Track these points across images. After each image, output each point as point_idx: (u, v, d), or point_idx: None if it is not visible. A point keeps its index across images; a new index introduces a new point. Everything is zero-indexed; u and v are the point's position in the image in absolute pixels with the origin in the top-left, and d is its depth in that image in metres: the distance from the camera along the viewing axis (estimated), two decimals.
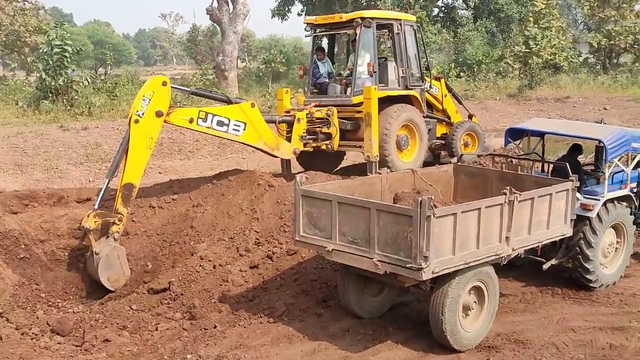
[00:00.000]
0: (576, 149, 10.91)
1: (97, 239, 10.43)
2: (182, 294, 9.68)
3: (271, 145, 12.46)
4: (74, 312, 9.70)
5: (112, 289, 10.30)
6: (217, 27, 44.04)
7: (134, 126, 10.60)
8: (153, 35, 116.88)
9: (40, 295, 10.20)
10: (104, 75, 35.91)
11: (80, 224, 10.70)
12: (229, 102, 12.20)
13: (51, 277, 10.57)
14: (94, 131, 22.95)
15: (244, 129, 11.91)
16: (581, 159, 11.41)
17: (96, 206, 10.49)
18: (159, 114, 10.73)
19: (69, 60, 25.92)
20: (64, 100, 25.94)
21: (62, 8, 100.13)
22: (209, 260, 10.23)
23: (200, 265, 10.12)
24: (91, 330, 8.90)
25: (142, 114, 10.61)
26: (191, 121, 11.30)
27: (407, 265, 7.20)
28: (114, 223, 10.39)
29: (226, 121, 11.68)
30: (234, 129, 11.80)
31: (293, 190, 8.60)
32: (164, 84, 10.84)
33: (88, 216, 10.31)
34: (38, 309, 9.81)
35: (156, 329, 8.92)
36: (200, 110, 11.47)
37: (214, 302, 9.48)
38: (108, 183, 10.73)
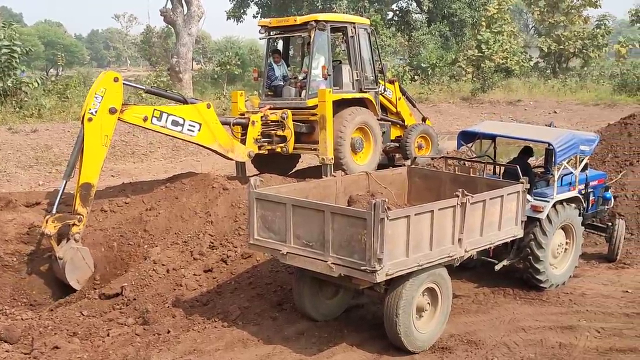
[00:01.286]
0: (527, 152, 11.11)
1: (58, 242, 10.21)
2: (134, 299, 9.53)
3: (226, 147, 12.38)
4: (22, 318, 9.45)
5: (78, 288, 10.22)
6: (172, 28, 43.68)
7: (87, 125, 10.41)
8: (106, 36, 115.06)
9: None
10: (55, 76, 35.23)
11: (37, 229, 10.55)
12: (184, 102, 12.10)
13: None
14: (44, 133, 22.52)
15: (199, 130, 11.82)
16: (531, 161, 11.62)
17: (54, 210, 10.26)
18: (112, 111, 10.56)
19: (17, 61, 25.39)
20: (13, 102, 25.39)
21: (11, 7, 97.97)
22: (163, 265, 10.10)
23: (154, 270, 9.98)
24: (40, 337, 8.67)
25: (95, 111, 10.42)
26: (145, 119, 11.15)
27: (361, 268, 7.21)
28: (73, 224, 10.21)
29: (181, 121, 11.57)
30: (188, 129, 11.70)
31: (247, 193, 8.56)
32: (116, 80, 10.67)
33: (47, 221, 10.04)
34: None
35: (108, 335, 8.73)
36: (155, 109, 11.35)
37: (168, 307, 9.35)
38: (65, 184, 10.53)
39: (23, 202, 11.47)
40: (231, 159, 13.00)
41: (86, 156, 10.39)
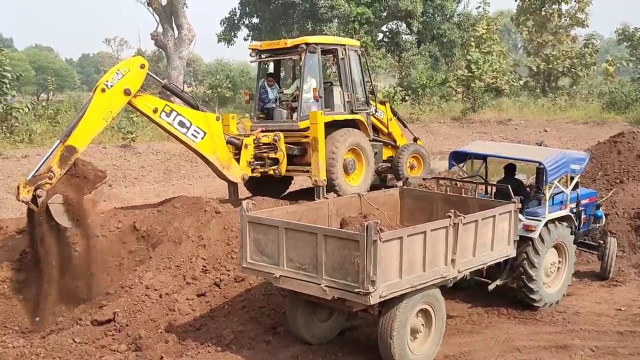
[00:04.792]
0: (512, 168, 11.21)
1: (37, 205, 9.98)
2: (127, 325, 9.43)
3: (223, 162, 12.43)
4: (14, 346, 9.32)
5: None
6: (163, 52, 43.84)
7: (98, 94, 10.54)
8: (97, 60, 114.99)
9: None
10: (46, 101, 35.15)
11: (28, 256, 10.49)
12: (196, 107, 12.21)
13: None
14: (35, 159, 22.32)
15: (202, 138, 11.98)
16: (523, 179, 11.67)
17: (30, 175, 10.16)
18: (127, 92, 10.72)
19: (8, 86, 25.37)
20: (3, 128, 25.29)
21: (1, 33, 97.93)
22: (155, 289, 10.03)
23: (146, 295, 9.90)
24: None
25: (111, 85, 10.58)
26: (155, 111, 11.32)
27: (355, 290, 7.21)
28: (45, 183, 9.97)
29: (188, 124, 11.75)
30: (193, 134, 11.86)
31: (240, 217, 8.54)
32: (142, 66, 10.97)
33: (18, 188, 9.88)
34: None
35: None
36: (166, 104, 11.55)
37: (161, 332, 9.28)
38: (57, 145, 10.42)
39: (13, 229, 11.41)
40: (224, 178, 12.98)
41: (83, 122, 10.42)
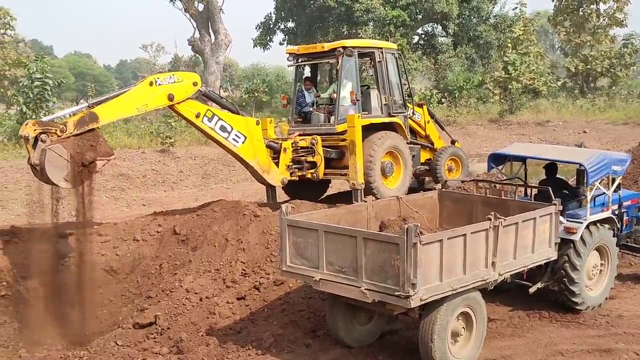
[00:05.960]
0: (553, 168, 11.07)
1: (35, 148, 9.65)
2: (168, 328, 9.55)
3: (263, 166, 12.53)
4: (57, 349, 9.53)
5: (70, 187, 10.00)
6: (199, 57, 44.27)
7: (145, 85, 10.92)
8: (134, 66, 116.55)
9: (22, 334, 10.00)
10: None
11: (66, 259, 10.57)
12: (236, 112, 12.43)
13: (33, 314, 10.38)
14: None
15: (243, 142, 12.16)
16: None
17: (46, 118, 10.24)
18: (170, 97, 11.10)
19: (49, 93, 25.81)
20: None
21: (42, 40, 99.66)
22: (195, 293, 10.13)
23: (187, 298, 10.02)
24: None
25: (160, 84, 10.95)
26: (198, 116, 11.61)
27: (395, 293, 7.20)
28: (54, 132, 9.72)
29: (229, 128, 11.97)
30: (234, 139, 12.06)
31: (279, 220, 8.59)
32: (195, 84, 11.44)
33: (27, 124, 9.59)
34: (20, 347, 9.65)
35: None
36: (208, 109, 11.81)
37: (201, 336, 9.37)
38: (84, 107, 10.45)
39: (57, 233, 11.57)
40: (263, 182, 13.07)
41: (118, 100, 10.68)
